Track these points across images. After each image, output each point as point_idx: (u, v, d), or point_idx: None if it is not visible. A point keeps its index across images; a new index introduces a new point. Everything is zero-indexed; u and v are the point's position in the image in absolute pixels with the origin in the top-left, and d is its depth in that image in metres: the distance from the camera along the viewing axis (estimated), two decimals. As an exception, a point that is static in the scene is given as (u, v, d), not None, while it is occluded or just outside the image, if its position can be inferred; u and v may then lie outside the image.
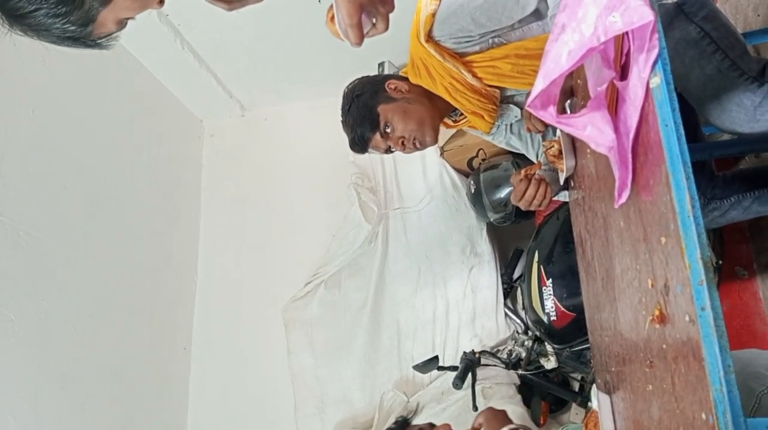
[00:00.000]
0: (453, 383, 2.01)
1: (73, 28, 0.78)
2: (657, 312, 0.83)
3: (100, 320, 2.38)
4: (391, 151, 1.72)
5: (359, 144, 1.68)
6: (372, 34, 0.93)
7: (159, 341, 2.72)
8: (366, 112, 1.64)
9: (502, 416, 1.33)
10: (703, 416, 0.68)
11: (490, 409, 1.35)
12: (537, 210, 2.37)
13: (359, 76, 1.78)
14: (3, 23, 0.78)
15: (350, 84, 1.75)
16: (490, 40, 1.48)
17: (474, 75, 1.52)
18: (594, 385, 1.34)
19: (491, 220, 2.42)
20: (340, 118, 1.72)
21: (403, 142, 1.66)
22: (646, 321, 0.92)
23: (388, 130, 1.64)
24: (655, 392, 0.91)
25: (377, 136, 1.66)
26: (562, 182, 1.55)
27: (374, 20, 0.90)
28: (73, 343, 2.24)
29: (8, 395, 1.98)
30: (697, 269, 0.68)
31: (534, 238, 2.22)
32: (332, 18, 0.89)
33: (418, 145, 1.67)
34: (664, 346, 0.83)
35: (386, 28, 0.93)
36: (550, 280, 2.06)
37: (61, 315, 2.21)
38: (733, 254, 2.30)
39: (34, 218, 2.14)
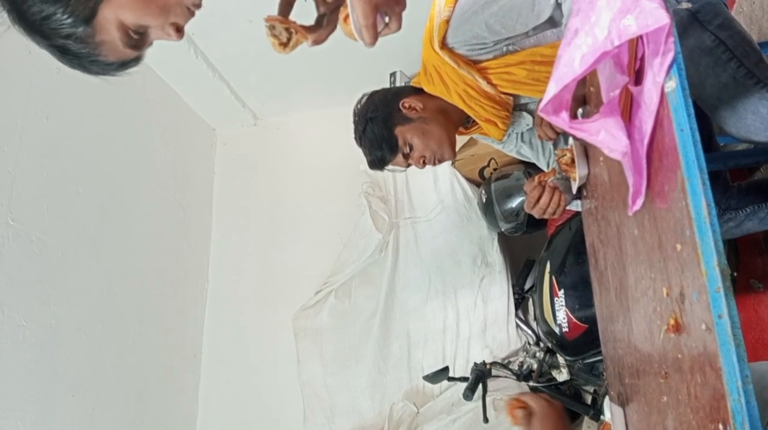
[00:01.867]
0: (463, 395, 1.99)
1: (70, 20, 0.76)
2: (672, 321, 0.82)
3: (110, 326, 2.38)
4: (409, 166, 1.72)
5: (379, 165, 1.68)
6: (385, 33, 0.92)
7: (169, 349, 2.73)
8: (383, 134, 1.63)
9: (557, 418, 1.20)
10: (721, 427, 0.66)
11: (545, 400, 1.20)
12: (549, 220, 2.37)
13: (368, 89, 1.77)
14: (9, 17, 0.76)
15: (360, 102, 1.72)
16: (504, 48, 1.47)
17: (489, 82, 1.51)
18: (607, 397, 1.32)
19: (503, 230, 2.41)
20: (354, 137, 1.71)
21: (423, 161, 1.66)
22: (660, 331, 0.91)
23: (408, 151, 1.64)
24: (670, 404, 0.89)
25: (398, 157, 1.66)
26: (574, 191, 1.54)
27: (387, 20, 0.90)
28: (83, 349, 2.25)
29: (18, 400, 1.98)
30: (714, 276, 0.66)
31: (546, 248, 2.20)
32: (345, 18, 0.88)
33: (437, 162, 1.67)
34: (680, 356, 0.82)
35: (399, 27, 0.92)
36: (562, 291, 2.04)
37: (72, 321, 2.21)
38: (749, 267, 2.26)
39: (47, 224, 2.16)
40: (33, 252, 2.09)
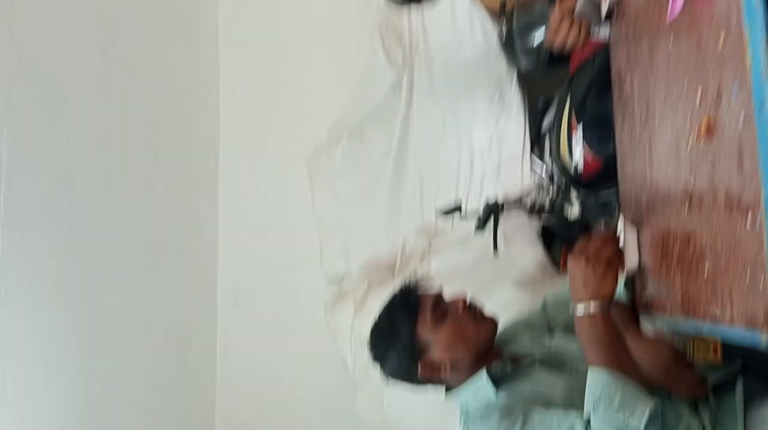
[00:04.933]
0: (475, 227, 2.03)
1: None
2: (704, 125, 0.79)
3: (124, 164, 2.42)
4: None
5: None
6: None
7: (184, 189, 2.78)
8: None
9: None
10: (749, 220, 0.65)
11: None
12: (572, 56, 2.26)
13: None
14: None
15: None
16: None
17: None
18: (621, 218, 1.32)
19: (522, 67, 2.31)
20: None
21: None
22: (688, 142, 0.88)
23: None
24: (694, 212, 0.88)
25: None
26: (604, 14, 1.45)
27: None
28: (99, 183, 2.29)
29: (37, 227, 2.04)
30: (760, 61, 0.62)
31: (567, 85, 2.13)
32: None
33: None
34: (709, 160, 0.80)
35: None
36: (581, 125, 1.99)
37: (86, 156, 2.24)
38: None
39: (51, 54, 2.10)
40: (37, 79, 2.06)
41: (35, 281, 2.03)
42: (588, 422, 1.10)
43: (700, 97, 0.81)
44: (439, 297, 1.41)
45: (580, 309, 1.16)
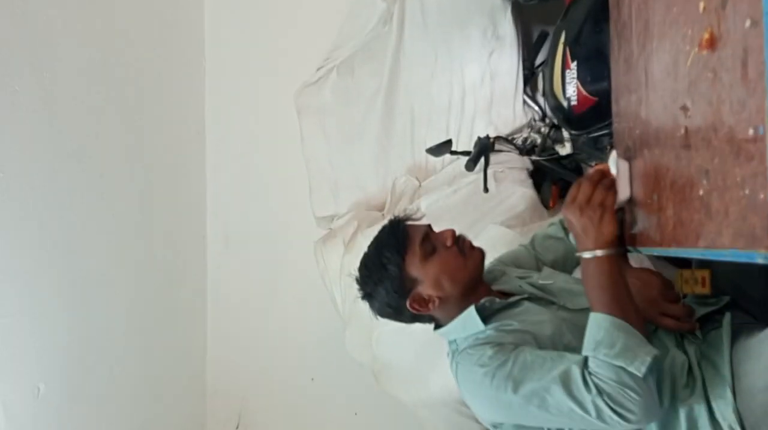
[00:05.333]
0: (465, 165, 1.99)
1: None
2: (707, 35, 0.74)
3: (110, 95, 2.34)
4: None
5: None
6: None
7: (171, 124, 2.71)
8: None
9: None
10: (751, 131, 0.62)
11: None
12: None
13: None
14: None
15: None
16: None
17: None
18: (613, 152, 1.28)
19: (517, -2, 2.23)
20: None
21: None
22: (689, 58, 0.84)
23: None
24: (691, 134, 0.85)
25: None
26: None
27: None
28: (84, 114, 2.22)
29: (23, 162, 1.99)
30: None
31: (562, 17, 2.06)
32: None
33: None
34: (710, 75, 0.76)
35: None
36: (575, 62, 1.93)
37: (68, 88, 2.15)
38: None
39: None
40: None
41: (21, 220, 1.98)
42: (585, 363, 1.09)
43: (703, 8, 0.76)
44: (428, 231, 1.38)
45: (587, 255, 1.15)
